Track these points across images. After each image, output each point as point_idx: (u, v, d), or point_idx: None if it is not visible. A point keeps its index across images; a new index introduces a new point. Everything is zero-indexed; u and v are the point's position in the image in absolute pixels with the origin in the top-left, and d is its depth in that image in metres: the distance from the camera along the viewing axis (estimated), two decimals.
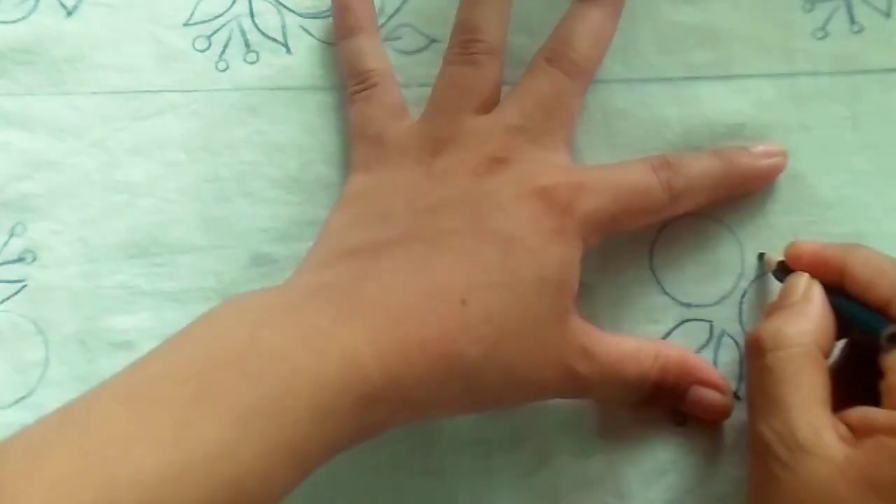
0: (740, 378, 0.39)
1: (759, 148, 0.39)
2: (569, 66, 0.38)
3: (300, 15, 0.44)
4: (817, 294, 0.35)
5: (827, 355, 0.34)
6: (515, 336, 0.34)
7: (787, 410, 0.33)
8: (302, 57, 0.43)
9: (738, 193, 0.40)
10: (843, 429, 0.32)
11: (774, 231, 0.40)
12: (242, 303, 0.34)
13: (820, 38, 0.41)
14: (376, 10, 0.43)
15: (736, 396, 0.39)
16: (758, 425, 0.33)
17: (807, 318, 0.35)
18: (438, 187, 0.37)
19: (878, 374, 0.33)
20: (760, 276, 0.40)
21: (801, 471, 0.32)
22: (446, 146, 0.38)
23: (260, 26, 0.43)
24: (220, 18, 0.44)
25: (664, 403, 0.38)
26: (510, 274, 0.34)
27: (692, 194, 0.38)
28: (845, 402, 0.33)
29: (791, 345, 0.34)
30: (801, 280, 0.36)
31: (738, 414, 0.39)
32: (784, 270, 0.38)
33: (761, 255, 0.40)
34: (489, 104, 0.39)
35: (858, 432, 0.32)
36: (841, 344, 0.36)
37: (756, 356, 0.34)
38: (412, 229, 0.36)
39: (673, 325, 0.40)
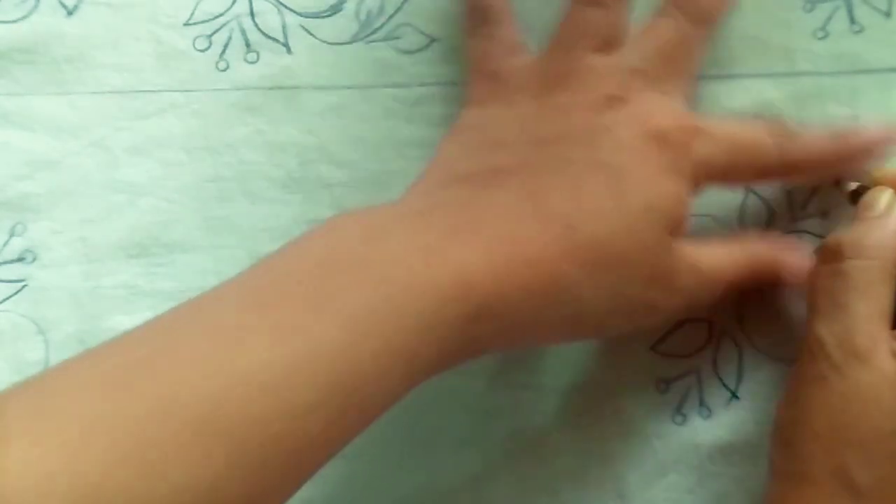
0: (740, 379, 0.39)
1: (872, 130, 0.39)
2: (695, 12, 0.38)
3: (301, 15, 0.43)
4: None
5: None
6: (621, 264, 0.34)
7: (850, 317, 0.34)
8: (302, 57, 0.43)
9: (847, 173, 0.39)
10: None
11: (774, 229, 0.40)
12: (357, 215, 0.34)
13: (820, 38, 0.41)
14: (377, 9, 0.43)
15: (735, 397, 0.39)
16: (817, 326, 0.34)
17: (887, 232, 0.35)
18: (553, 120, 0.37)
19: None
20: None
21: (851, 375, 0.33)
22: (563, 82, 0.38)
23: (260, 26, 0.43)
24: (221, 18, 0.44)
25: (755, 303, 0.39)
26: (618, 203, 0.35)
27: (803, 168, 0.38)
28: None
29: (870, 256, 0.35)
30: (885, 194, 0.37)
31: (738, 414, 0.39)
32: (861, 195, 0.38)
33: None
34: (611, 46, 0.38)
35: None
36: None
37: (832, 260, 0.35)
38: (525, 158, 0.36)
39: (672, 326, 0.40)
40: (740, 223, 0.40)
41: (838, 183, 0.40)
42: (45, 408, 0.27)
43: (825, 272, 0.35)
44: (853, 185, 0.38)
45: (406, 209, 0.35)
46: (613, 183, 0.35)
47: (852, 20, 0.41)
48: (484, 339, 0.33)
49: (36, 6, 0.44)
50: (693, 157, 0.36)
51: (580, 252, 0.34)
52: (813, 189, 0.40)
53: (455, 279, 0.32)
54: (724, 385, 0.39)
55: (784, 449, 0.34)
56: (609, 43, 0.38)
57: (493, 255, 0.33)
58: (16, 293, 0.42)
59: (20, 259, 0.42)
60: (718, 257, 0.37)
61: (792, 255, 0.38)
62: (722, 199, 0.40)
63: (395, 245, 0.32)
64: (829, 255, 0.35)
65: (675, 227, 0.36)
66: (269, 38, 0.43)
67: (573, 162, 0.36)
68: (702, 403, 0.39)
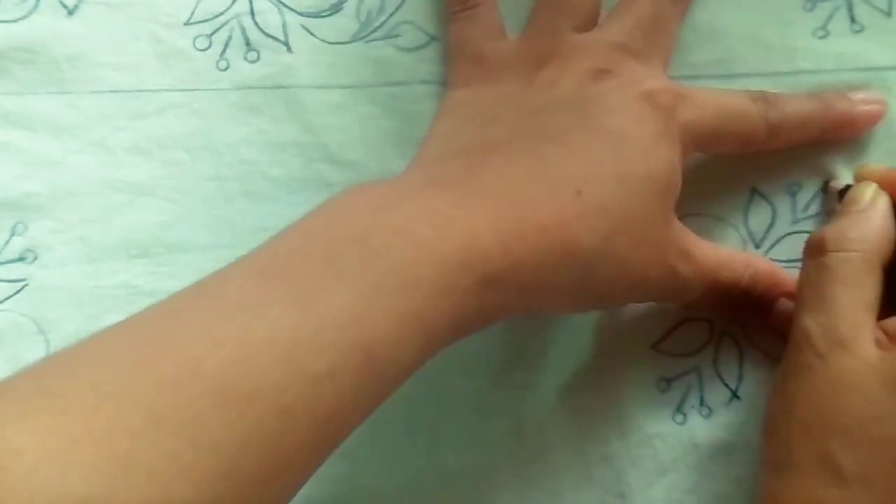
0: (740, 378, 0.39)
1: (858, 95, 0.40)
2: None
3: (301, 14, 0.43)
4: (883, 203, 0.37)
5: (885, 265, 0.35)
6: (626, 229, 0.35)
7: (835, 308, 0.34)
8: (303, 56, 0.43)
9: (833, 137, 0.40)
10: (881, 335, 0.34)
11: (776, 230, 0.40)
12: (361, 189, 0.34)
13: (821, 38, 0.41)
14: (377, 8, 0.43)
15: (736, 396, 0.39)
16: (803, 318, 0.35)
17: (871, 225, 0.36)
18: (545, 94, 0.38)
19: None
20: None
21: (836, 364, 0.33)
22: (549, 60, 0.38)
23: (261, 25, 0.43)
24: (221, 17, 0.44)
25: (752, 316, 0.39)
26: (621, 169, 0.35)
27: (787, 130, 0.39)
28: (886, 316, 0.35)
29: (853, 248, 0.35)
30: (869, 189, 0.37)
31: (738, 414, 0.39)
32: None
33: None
34: (588, 24, 0.40)
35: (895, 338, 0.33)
36: None
37: (817, 254, 0.35)
38: (522, 129, 0.37)
39: (673, 325, 0.40)
40: (744, 223, 0.40)
41: (827, 184, 0.40)
42: (63, 382, 0.28)
43: (810, 266, 0.36)
44: (841, 185, 0.39)
45: (410, 182, 0.35)
46: (614, 148, 0.35)
47: (853, 19, 0.41)
48: (498, 306, 0.33)
49: (36, 6, 0.44)
50: (681, 119, 0.36)
51: (590, 217, 0.34)
52: (817, 189, 0.40)
53: (464, 246, 0.32)
54: (725, 384, 0.39)
55: (772, 439, 0.35)
56: (587, 21, 0.39)
57: (502, 222, 0.33)
58: (16, 293, 0.42)
59: (21, 259, 0.42)
60: (719, 255, 0.38)
61: (791, 278, 0.38)
62: (726, 199, 0.40)
63: (401, 216, 0.32)
64: (814, 250, 0.36)
65: (670, 194, 0.36)
66: (270, 37, 0.43)
67: (570, 130, 0.36)
68: (702, 403, 0.39)
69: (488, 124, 0.37)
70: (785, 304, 0.38)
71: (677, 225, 0.37)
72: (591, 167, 0.35)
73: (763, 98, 0.38)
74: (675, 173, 0.36)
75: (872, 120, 0.40)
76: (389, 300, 0.30)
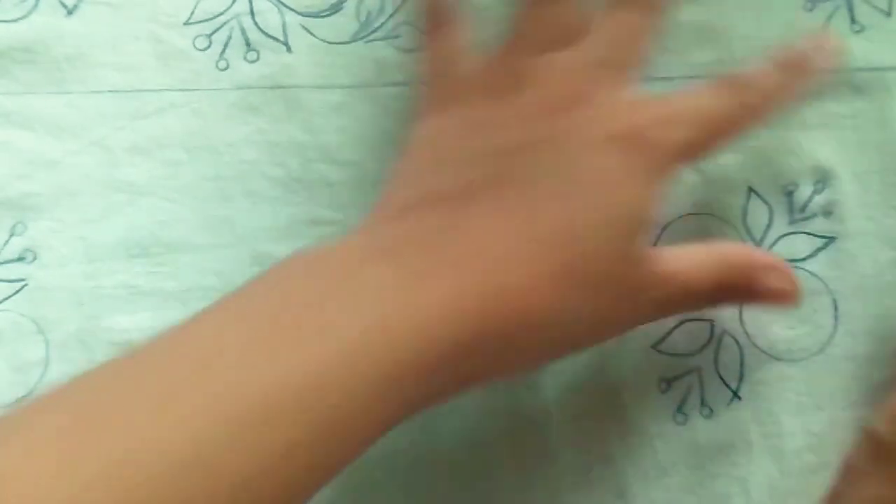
0: (741, 378, 0.39)
1: (805, 42, 0.38)
2: (643, 3, 0.39)
3: (301, 14, 0.43)
4: None
5: None
6: (602, 278, 0.34)
7: None
8: (303, 56, 0.43)
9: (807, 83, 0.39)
10: None
11: (774, 230, 0.40)
12: (317, 254, 0.34)
13: None
14: (377, 8, 0.43)
15: (736, 396, 0.39)
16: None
17: None
18: (516, 127, 0.36)
19: None
20: None
21: None
22: (522, 82, 0.37)
23: (260, 25, 0.43)
24: (221, 17, 0.44)
25: (746, 301, 0.39)
26: (600, 214, 0.34)
27: (766, 105, 0.37)
28: None
29: None
30: None
31: (738, 413, 0.39)
32: None
33: None
34: (565, 42, 0.38)
35: None
36: None
37: None
38: (493, 172, 0.35)
39: (673, 325, 0.40)
40: (742, 223, 0.40)
41: None
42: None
43: None
44: None
45: (376, 244, 0.34)
46: (591, 195, 0.34)
47: (853, 19, 0.41)
48: (475, 374, 0.33)
49: (36, 5, 0.44)
50: (664, 146, 0.35)
51: (570, 273, 0.33)
52: (814, 189, 0.40)
53: (439, 317, 0.32)
54: (726, 384, 0.39)
55: None
56: (563, 39, 0.39)
57: (483, 287, 0.32)
58: (16, 293, 0.42)
59: (20, 258, 0.42)
60: (688, 259, 0.37)
61: (765, 254, 0.38)
62: (722, 199, 0.40)
63: (368, 289, 0.32)
64: None
65: (644, 231, 0.35)
66: (270, 37, 0.43)
67: (545, 174, 0.35)
68: (703, 403, 0.39)
69: (460, 166, 0.36)
70: (764, 281, 0.37)
71: (651, 257, 0.36)
72: (569, 218, 0.34)
73: (738, 85, 0.37)
74: (651, 209, 0.35)
75: (829, 52, 0.38)
76: (351, 370, 0.30)
